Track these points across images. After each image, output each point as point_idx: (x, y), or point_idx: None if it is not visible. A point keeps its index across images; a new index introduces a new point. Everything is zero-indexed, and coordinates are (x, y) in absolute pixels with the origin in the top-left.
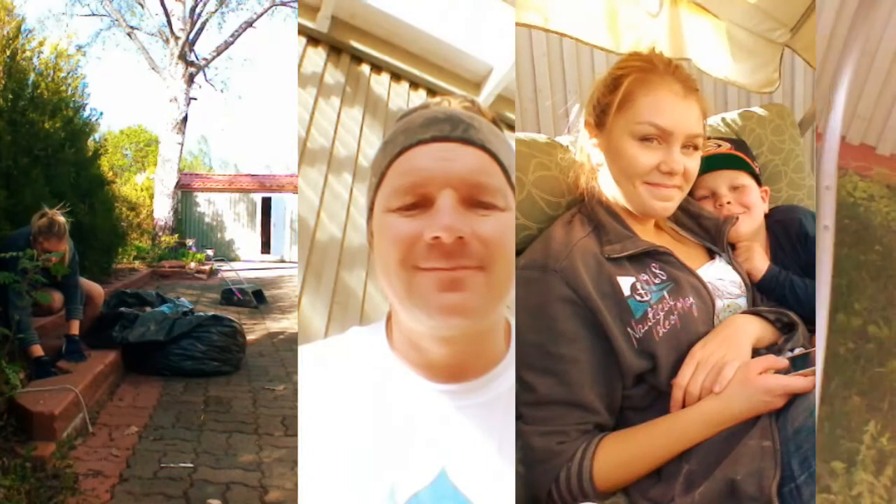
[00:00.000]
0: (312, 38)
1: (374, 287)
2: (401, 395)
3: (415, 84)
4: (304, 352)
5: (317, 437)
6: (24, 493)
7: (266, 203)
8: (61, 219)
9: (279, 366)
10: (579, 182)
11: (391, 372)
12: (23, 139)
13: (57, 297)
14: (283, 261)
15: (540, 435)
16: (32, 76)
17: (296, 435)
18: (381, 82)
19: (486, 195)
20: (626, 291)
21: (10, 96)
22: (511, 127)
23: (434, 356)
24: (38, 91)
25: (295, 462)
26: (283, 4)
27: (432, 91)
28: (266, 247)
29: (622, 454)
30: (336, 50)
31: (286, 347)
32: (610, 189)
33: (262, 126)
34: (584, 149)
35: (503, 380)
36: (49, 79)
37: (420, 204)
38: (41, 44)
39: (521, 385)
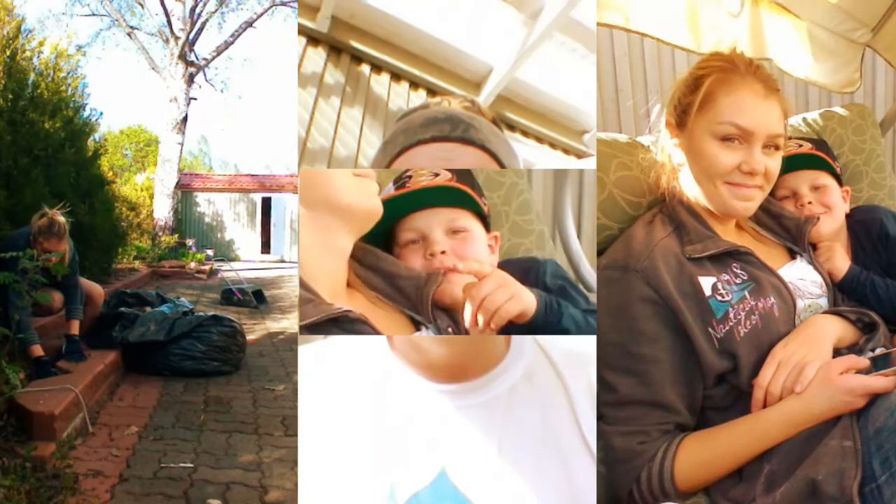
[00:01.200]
0: (312, 38)
1: None
2: (401, 395)
3: (415, 84)
4: (304, 352)
5: (317, 437)
6: (24, 493)
7: (266, 203)
8: (61, 219)
9: (279, 366)
10: (660, 182)
11: (391, 372)
12: (23, 139)
13: (57, 297)
14: (283, 261)
15: (621, 435)
16: (32, 76)
17: (296, 435)
18: (381, 82)
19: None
20: (708, 291)
21: (10, 96)
22: (511, 127)
23: (434, 356)
24: (38, 91)
25: (295, 462)
26: (283, 4)
27: (432, 91)
28: (266, 247)
29: (703, 454)
30: (336, 50)
31: (286, 347)
32: (691, 189)
33: (262, 126)
34: (665, 149)
35: (503, 380)
36: (49, 79)
37: None
38: (41, 44)
39: (603, 385)
